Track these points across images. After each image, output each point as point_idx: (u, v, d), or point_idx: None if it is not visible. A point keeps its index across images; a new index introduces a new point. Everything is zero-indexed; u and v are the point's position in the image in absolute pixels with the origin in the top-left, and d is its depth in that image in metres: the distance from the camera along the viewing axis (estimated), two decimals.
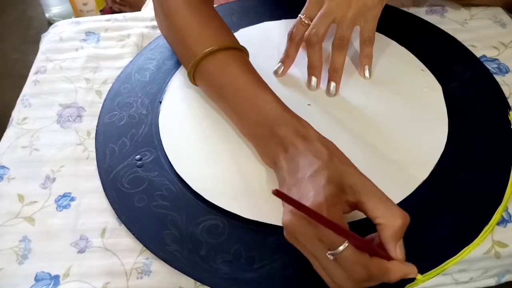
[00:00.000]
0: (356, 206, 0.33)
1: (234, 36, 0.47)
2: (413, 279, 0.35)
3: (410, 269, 0.32)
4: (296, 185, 0.34)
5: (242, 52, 0.46)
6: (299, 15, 0.48)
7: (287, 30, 0.53)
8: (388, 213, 0.32)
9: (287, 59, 0.49)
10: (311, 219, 0.30)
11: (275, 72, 0.50)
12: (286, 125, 0.38)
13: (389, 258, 0.32)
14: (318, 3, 0.47)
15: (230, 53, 0.44)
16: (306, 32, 0.47)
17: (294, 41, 0.48)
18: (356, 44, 0.51)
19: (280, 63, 0.50)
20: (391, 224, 0.32)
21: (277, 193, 0.29)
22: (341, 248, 0.30)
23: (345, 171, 0.34)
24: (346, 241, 0.30)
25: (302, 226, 0.31)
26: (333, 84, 0.47)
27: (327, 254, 0.31)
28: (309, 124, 0.39)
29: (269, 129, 0.38)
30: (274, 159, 0.38)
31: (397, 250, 0.32)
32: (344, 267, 0.31)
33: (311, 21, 0.47)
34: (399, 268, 0.32)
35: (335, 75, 0.47)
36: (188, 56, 0.46)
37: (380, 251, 0.32)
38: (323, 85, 0.48)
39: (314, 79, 0.48)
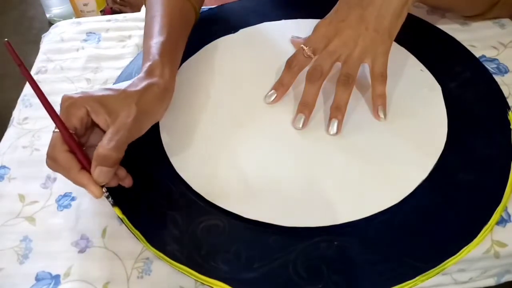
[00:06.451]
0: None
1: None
2: (411, 278, 0.36)
3: (94, 189, 0.37)
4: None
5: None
6: (302, 45, 0.46)
7: (287, 31, 0.54)
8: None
9: (282, 87, 0.47)
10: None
11: (267, 99, 0.47)
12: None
13: (87, 166, 0.37)
14: (325, 37, 0.45)
15: None
16: (309, 67, 0.44)
17: (291, 70, 0.46)
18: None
19: (272, 90, 0.47)
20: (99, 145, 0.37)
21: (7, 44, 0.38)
22: (54, 129, 0.38)
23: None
24: (56, 127, 0.37)
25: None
26: (335, 122, 0.44)
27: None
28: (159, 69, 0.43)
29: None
30: None
31: (94, 169, 0.36)
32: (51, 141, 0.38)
33: (314, 54, 0.45)
34: (82, 176, 0.37)
35: (337, 112, 0.44)
36: None
37: (81, 154, 0.37)
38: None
39: (302, 116, 0.44)
